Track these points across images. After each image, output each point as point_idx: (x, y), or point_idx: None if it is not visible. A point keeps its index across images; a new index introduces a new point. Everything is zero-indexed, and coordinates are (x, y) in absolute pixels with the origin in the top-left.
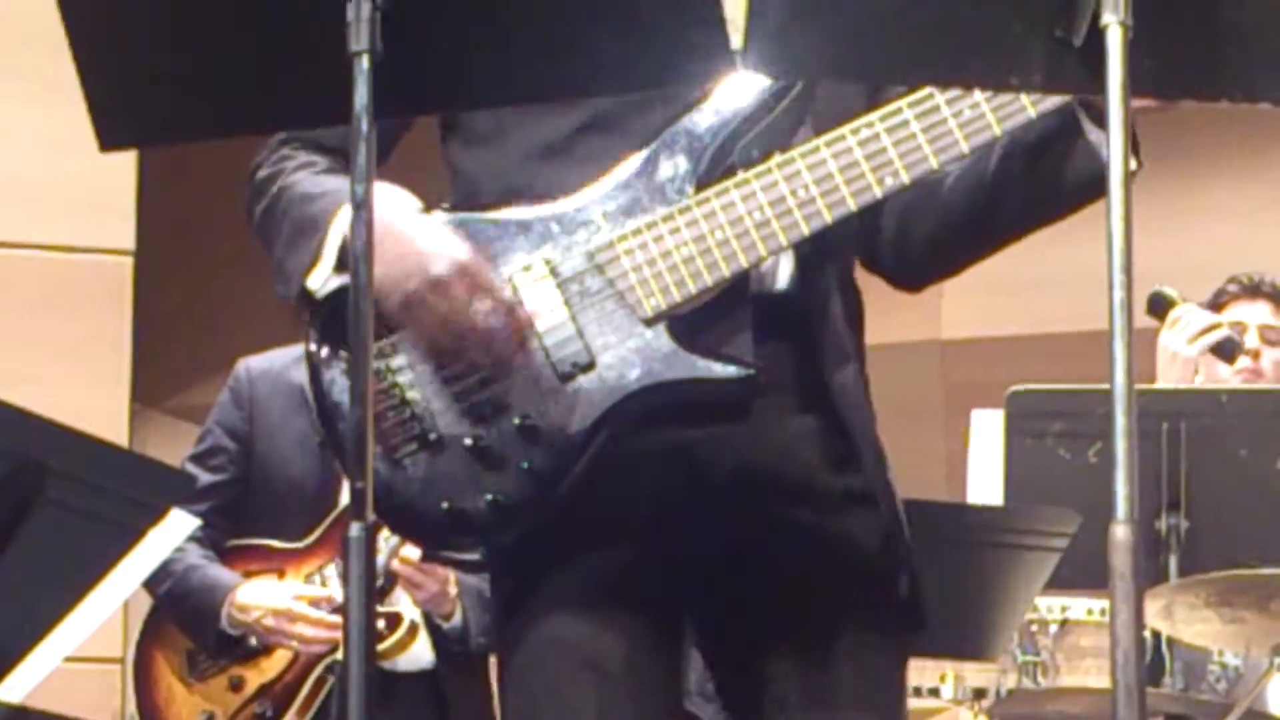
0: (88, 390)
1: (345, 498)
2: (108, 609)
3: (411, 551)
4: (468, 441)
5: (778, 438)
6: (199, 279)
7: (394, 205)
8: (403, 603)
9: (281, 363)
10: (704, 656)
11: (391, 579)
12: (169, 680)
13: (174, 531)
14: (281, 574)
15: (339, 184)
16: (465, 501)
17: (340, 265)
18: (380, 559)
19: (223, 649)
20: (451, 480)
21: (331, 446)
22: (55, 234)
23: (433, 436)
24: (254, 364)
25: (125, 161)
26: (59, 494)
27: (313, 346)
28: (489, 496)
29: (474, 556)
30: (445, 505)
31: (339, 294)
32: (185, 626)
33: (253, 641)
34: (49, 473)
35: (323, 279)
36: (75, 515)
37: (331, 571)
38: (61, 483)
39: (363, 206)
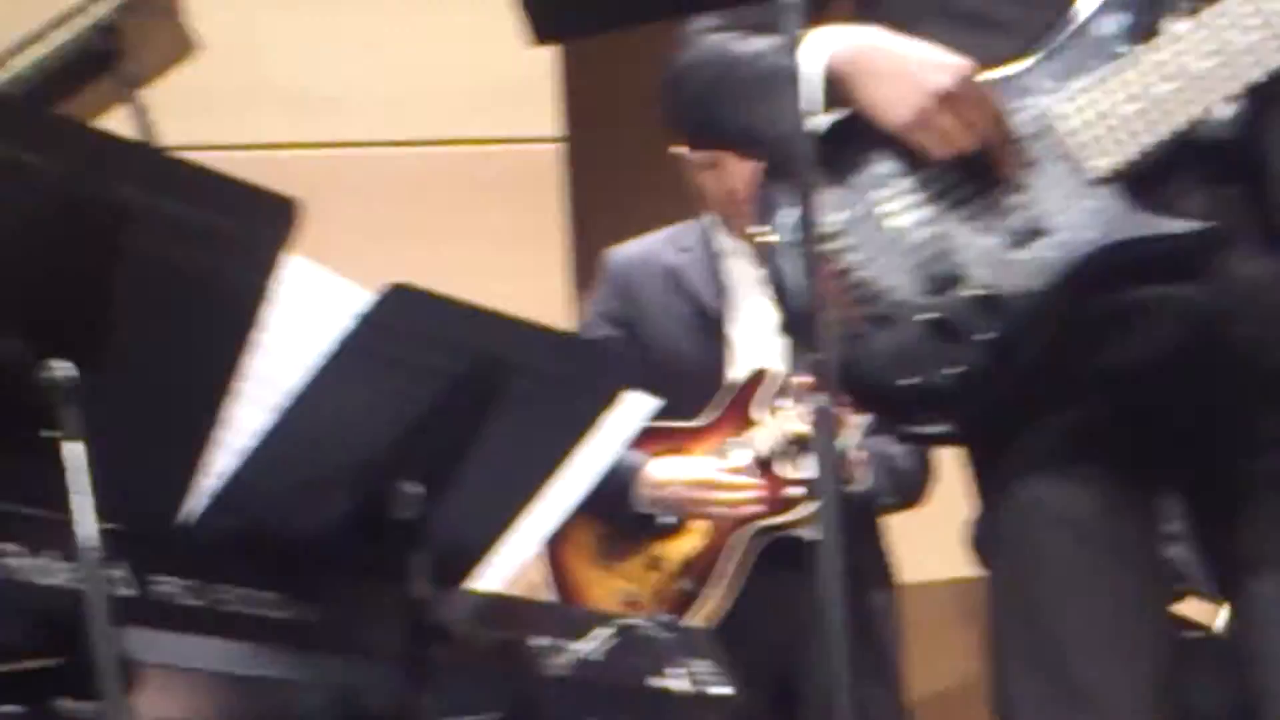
0: (525, 281)
1: (734, 374)
2: (573, 496)
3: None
4: (927, 316)
5: (1239, 287)
6: (630, 162)
7: (866, 31)
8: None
9: (650, 247)
10: (1183, 511)
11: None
12: (584, 566)
13: (631, 415)
14: (682, 452)
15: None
16: (930, 376)
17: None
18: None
19: (636, 528)
20: (914, 356)
21: (789, 326)
22: (483, 127)
23: (890, 313)
24: (623, 253)
25: (547, 50)
26: (519, 387)
27: (783, 217)
28: (953, 369)
29: (944, 429)
30: (911, 381)
31: (836, 129)
32: (597, 508)
33: (665, 519)
34: (508, 366)
35: (817, 118)
36: (534, 406)
37: (731, 446)
38: (521, 375)
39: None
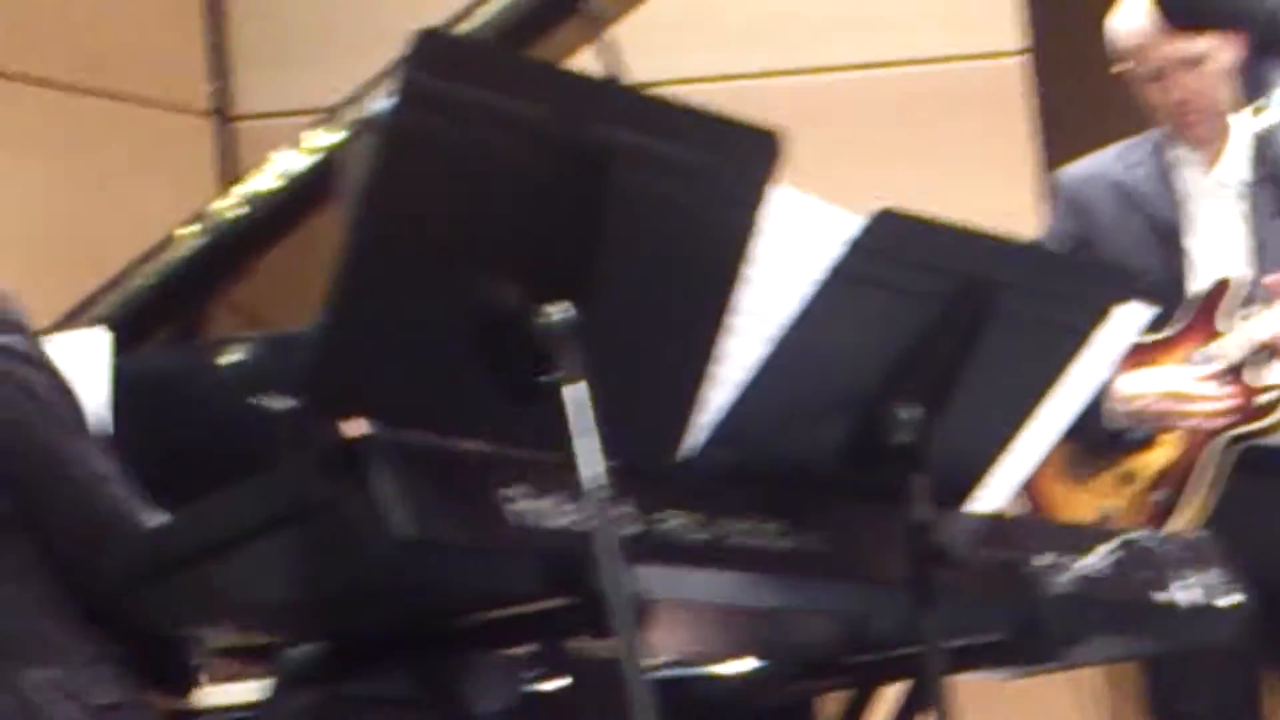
0: (995, 198)
1: (1195, 285)
2: (1067, 413)
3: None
4: None
5: None
6: (1098, 71)
7: None
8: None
9: (1100, 164)
10: None
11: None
12: (1056, 485)
13: (1124, 328)
14: (1149, 365)
15: None
16: None
17: None
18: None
19: (1107, 444)
20: None
21: None
22: (946, 45)
23: None
24: (1073, 171)
25: None
26: (1009, 304)
27: None
28: None
29: None
30: None
31: None
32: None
33: (1136, 433)
34: (1000, 285)
35: None
36: (1025, 325)
37: (1199, 356)
38: (1010, 294)
39: None
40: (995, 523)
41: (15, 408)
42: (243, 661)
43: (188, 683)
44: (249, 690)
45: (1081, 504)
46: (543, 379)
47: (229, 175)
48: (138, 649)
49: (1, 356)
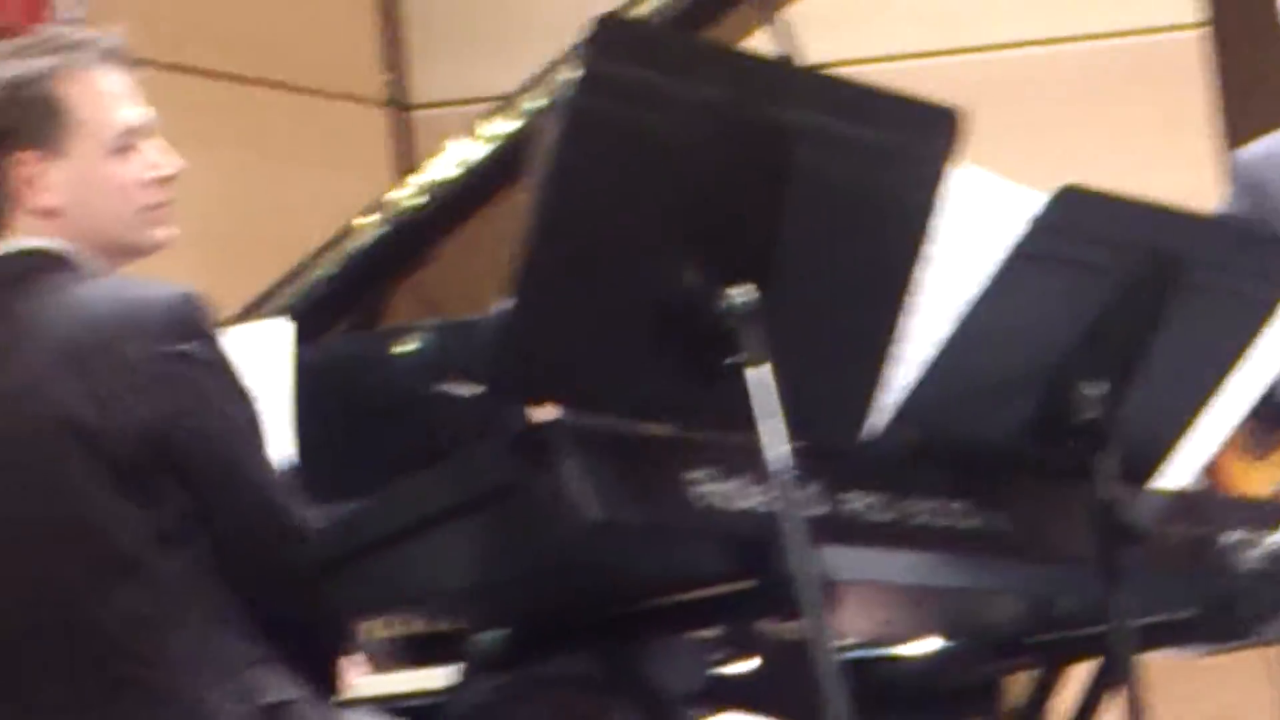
0: (1175, 172)
1: None
2: (1254, 388)
3: None
4: None
5: None
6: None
7: None
8: None
9: (1278, 143)
10: None
11: None
12: (1232, 459)
13: None
14: None
15: None
16: None
17: None
18: None
19: None
20: None
21: None
22: (1121, 19)
23: None
24: (1250, 152)
25: None
26: (1194, 278)
27: None
28: None
29: None
30: None
31: None
32: None
33: None
34: (1184, 260)
35: None
36: (1212, 299)
37: None
38: (1197, 268)
39: None
40: (1183, 499)
41: (194, 414)
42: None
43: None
44: (435, 676)
45: (1258, 478)
46: (727, 361)
47: (405, 165)
48: (303, 646)
49: (183, 363)
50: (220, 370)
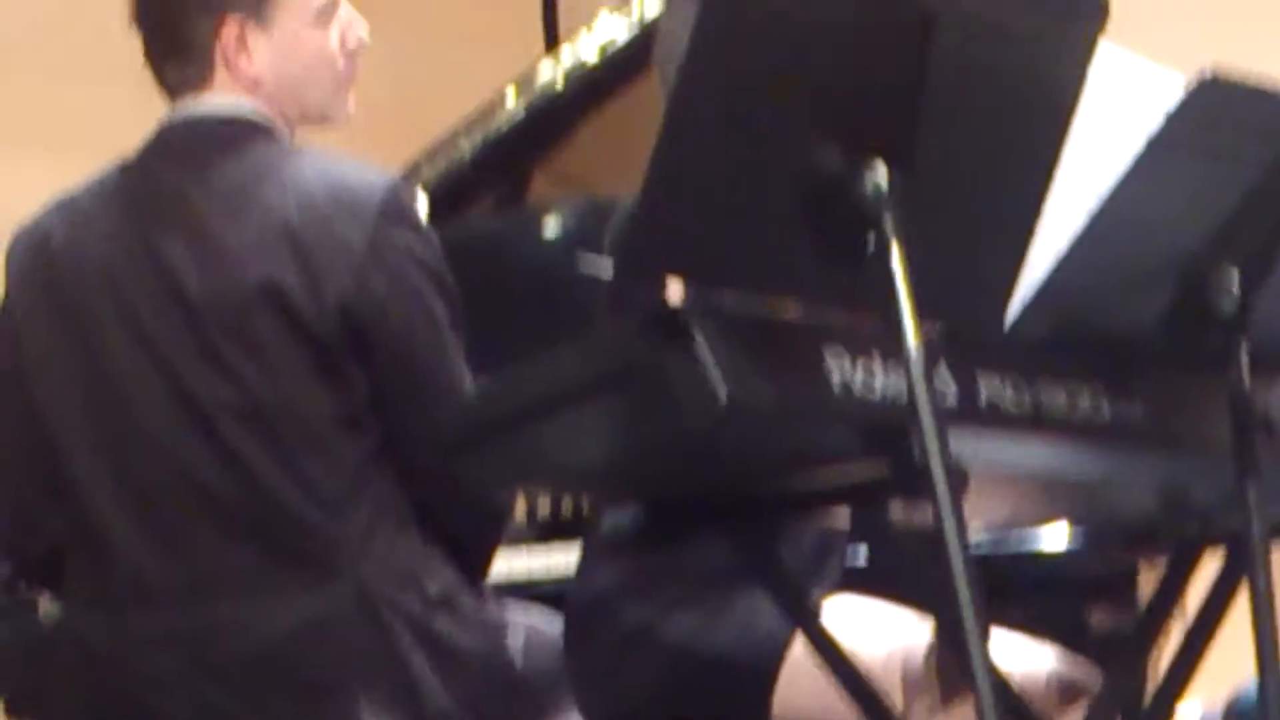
0: None
1: None
2: None
3: None
4: None
5: None
6: None
7: None
8: None
9: None
10: None
11: None
12: None
13: None
14: None
15: None
16: None
17: None
18: None
19: None
20: None
21: None
22: None
23: None
24: None
25: None
26: None
27: None
28: None
29: None
30: None
31: None
32: None
33: None
34: None
35: None
36: None
37: None
38: None
39: None
40: None
41: (398, 302)
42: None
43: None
44: (566, 559)
45: None
46: (866, 242)
47: (555, 42)
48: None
49: (394, 251)
50: (429, 264)
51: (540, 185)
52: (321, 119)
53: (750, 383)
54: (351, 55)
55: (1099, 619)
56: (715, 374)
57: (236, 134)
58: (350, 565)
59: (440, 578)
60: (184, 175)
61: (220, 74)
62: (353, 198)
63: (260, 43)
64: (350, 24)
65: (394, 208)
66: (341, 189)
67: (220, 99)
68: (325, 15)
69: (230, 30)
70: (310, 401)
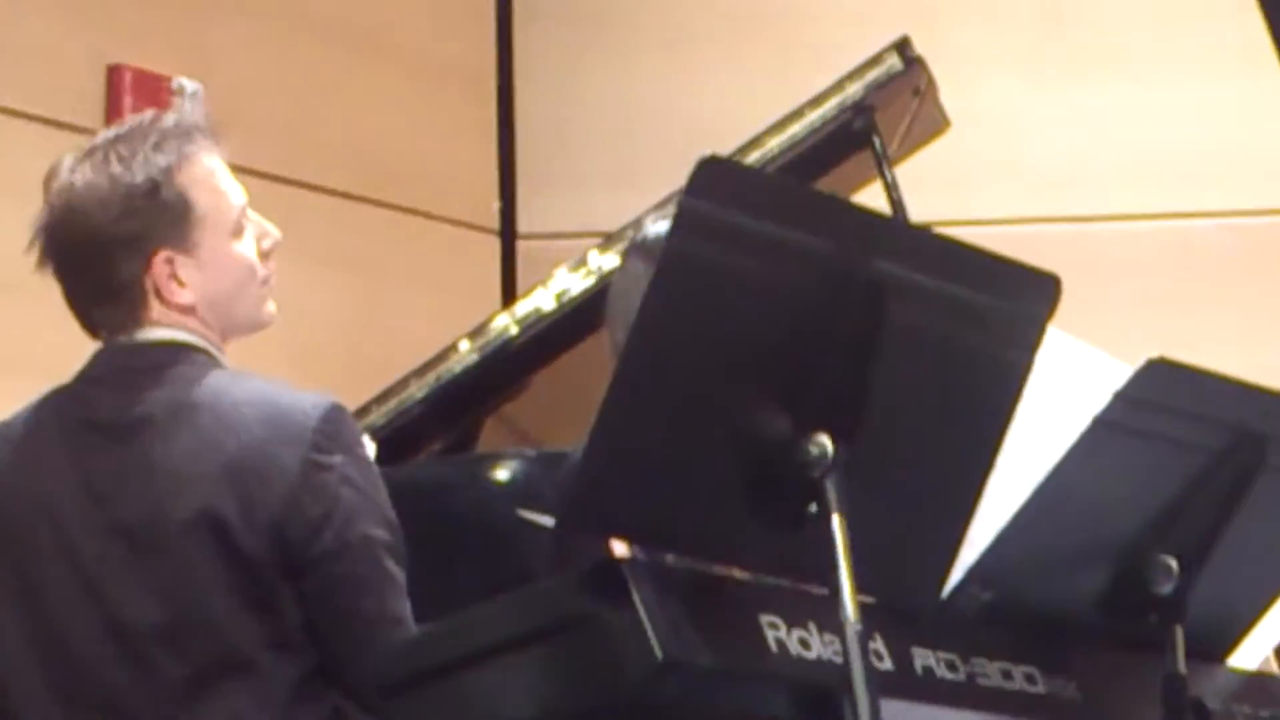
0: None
1: None
2: None
3: None
4: None
5: None
6: None
7: None
8: None
9: None
10: None
11: None
12: None
13: None
14: None
15: None
16: None
17: None
18: None
19: None
20: None
21: None
22: (1230, 199)
23: None
24: None
25: None
26: (1279, 459)
27: None
28: None
29: None
30: None
31: None
32: None
33: None
34: (1268, 439)
35: None
36: None
37: None
38: None
39: None
40: (1255, 680)
41: (333, 528)
42: None
43: None
44: None
45: None
46: (807, 511)
47: (513, 294)
48: None
49: (331, 475)
50: (365, 489)
51: (491, 434)
52: (250, 328)
53: (689, 639)
54: (268, 259)
55: None
56: (654, 629)
57: (174, 358)
58: None
59: None
60: (121, 402)
61: (154, 307)
62: (288, 421)
63: (189, 268)
64: (261, 228)
65: (328, 430)
66: (276, 414)
67: (158, 332)
68: (240, 225)
69: (160, 264)
70: (241, 627)
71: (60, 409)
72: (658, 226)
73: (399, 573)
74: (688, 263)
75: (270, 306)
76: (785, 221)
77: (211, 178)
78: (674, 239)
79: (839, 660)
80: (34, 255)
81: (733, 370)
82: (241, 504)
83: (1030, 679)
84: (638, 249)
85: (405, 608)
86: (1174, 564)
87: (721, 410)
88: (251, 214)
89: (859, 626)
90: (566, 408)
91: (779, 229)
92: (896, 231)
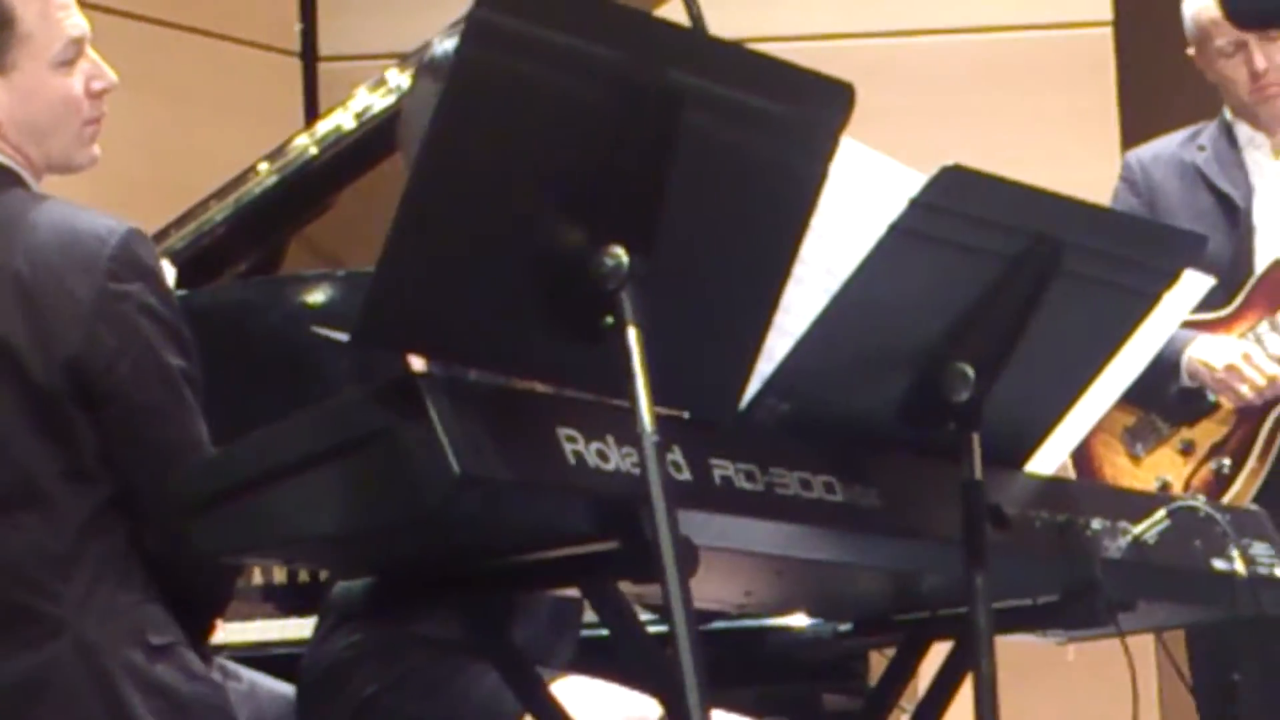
0: (1078, 168)
1: (1260, 262)
2: (1127, 377)
3: None
4: None
5: None
6: (1181, 46)
7: None
8: None
9: (1168, 146)
10: None
11: None
12: (1113, 457)
13: (1188, 294)
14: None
15: None
16: None
17: None
18: None
19: (1178, 408)
20: None
21: None
22: (1036, 13)
23: None
24: (1140, 152)
25: None
26: (1074, 265)
27: None
28: None
29: None
30: None
31: None
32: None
33: (1209, 397)
34: (1064, 245)
35: None
36: (1091, 285)
37: (1264, 330)
38: (1076, 254)
39: None
40: (1051, 485)
41: (128, 356)
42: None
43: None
44: (303, 626)
45: (1138, 477)
46: (603, 324)
47: (315, 116)
48: (188, 592)
49: (127, 303)
50: (162, 315)
51: (295, 255)
52: (66, 168)
53: (485, 453)
54: (96, 101)
55: (830, 701)
56: (450, 443)
57: None
58: (73, 619)
59: (165, 632)
60: None
61: None
62: (83, 249)
63: (2, 89)
64: (96, 68)
65: (124, 258)
66: (72, 240)
67: None
68: (68, 60)
69: None
70: (34, 457)
71: None
72: (446, 44)
73: (195, 400)
74: (478, 75)
75: (94, 150)
76: (578, 32)
77: (47, 3)
78: (464, 49)
79: (637, 472)
80: None
81: (525, 183)
82: (34, 334)
83: (829, 488)
84: (427, 68)
85: (203, 432)
86: (970, 371)
87: (515, 224)
88: (91, 52)
89: (656, 438)
90: (371, 227)
91: (571, 39)
92: (690, 41)
